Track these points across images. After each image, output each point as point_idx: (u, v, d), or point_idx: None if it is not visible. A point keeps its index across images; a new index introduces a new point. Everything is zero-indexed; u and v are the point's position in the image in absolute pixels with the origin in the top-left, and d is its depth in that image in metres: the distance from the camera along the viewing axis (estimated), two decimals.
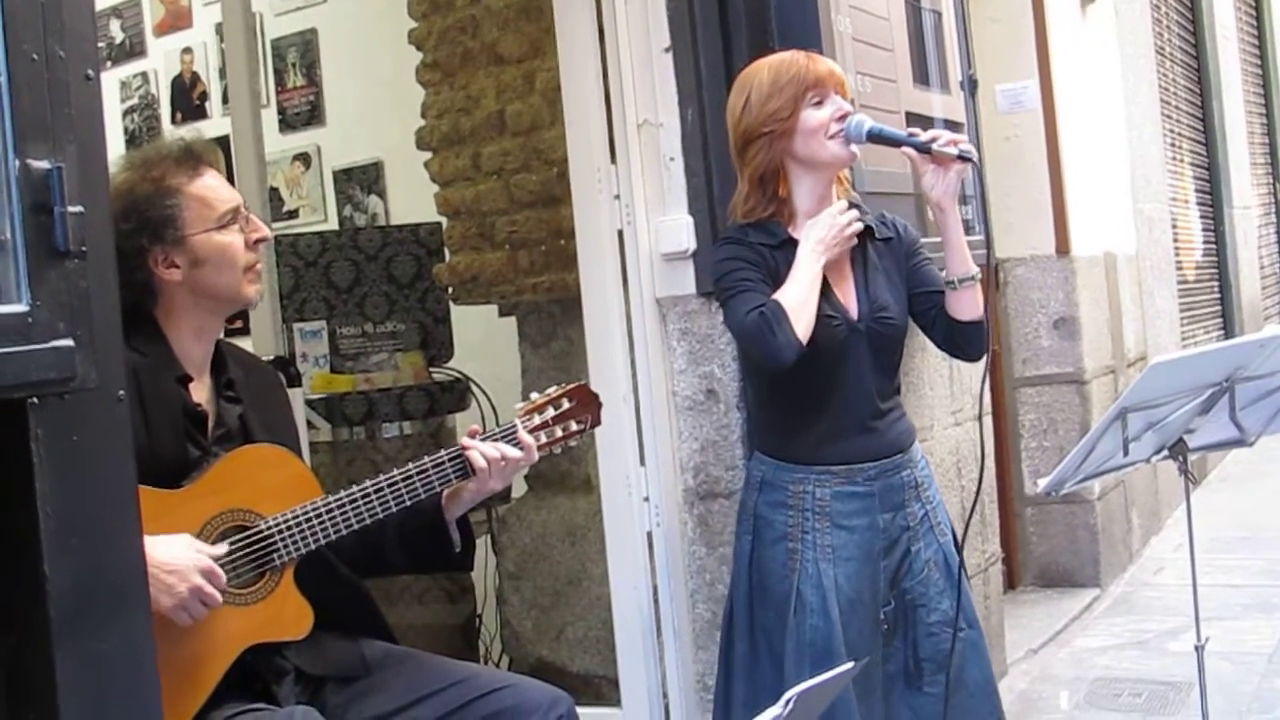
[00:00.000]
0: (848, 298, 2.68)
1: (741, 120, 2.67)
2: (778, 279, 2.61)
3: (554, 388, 2.54)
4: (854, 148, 2.63)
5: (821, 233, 2.61)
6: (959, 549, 2.78)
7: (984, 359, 2.83)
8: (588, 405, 2.54)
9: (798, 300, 2.56)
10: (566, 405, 2.51)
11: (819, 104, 2.62)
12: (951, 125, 3.94)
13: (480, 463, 2.38)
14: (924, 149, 2.59)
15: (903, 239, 2.78)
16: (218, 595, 2.09)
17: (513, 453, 2.42)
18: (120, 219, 2.20)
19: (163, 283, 2.28)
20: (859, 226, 2.64)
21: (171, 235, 2.26)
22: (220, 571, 2.11)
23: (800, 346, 2.54)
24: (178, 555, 2.06)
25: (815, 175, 2.67)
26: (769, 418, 2.81)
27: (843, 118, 2.61)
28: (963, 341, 2.73)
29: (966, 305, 2.67)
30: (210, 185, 2.32)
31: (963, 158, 2.57)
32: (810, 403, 2.68)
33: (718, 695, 2.83)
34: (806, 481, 2.66)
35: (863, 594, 2.64)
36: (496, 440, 2.42)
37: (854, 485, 2.65)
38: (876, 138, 2.61)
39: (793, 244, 2.64)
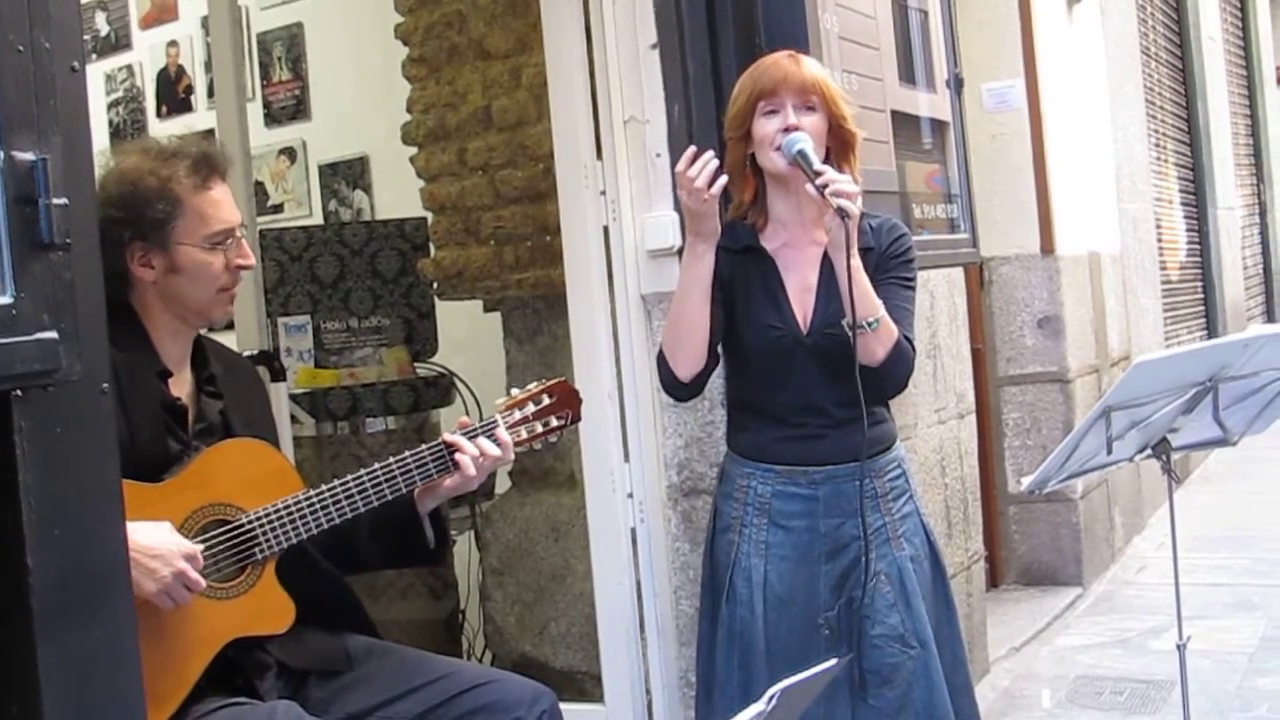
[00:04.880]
0: (804, 307, 2.62)
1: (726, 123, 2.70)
2: (725, 285, 2.61)
3: (534, 383, 2.54)
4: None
5: (687, 221, 2.60)
6: (938, 567, 2.75)
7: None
8: (568, 401, 2.54)
9: (675, 328, 2.62)
10: (547, 401, 2.51)
11: (771, 113, 2.58)
12: (937, 123, 3.96)
13: (470, 467, 2.38)
14: (820, 190, 2.46)
15: (882, 251, 2.65)
16: (201, 580, 2.09)
17: (493, 449, 2.42)
18: (114, 203, 2.19)
19: (135, 278, 2.27)
20: (712, 168, 2.47)
21: (157, 238, 2.24)
22: (200, 557, 2.11)
23: (680, 383, 2.62)
24: (161, 540, 2.06)
25: (778, 184, 2.64)
26: (728, 412, 2.84)
27: (788, 130, 2.55)
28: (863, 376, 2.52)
29: (859, 349, 2.49)
30: (214, 200, 2.29)
31: (838, 212, 2.42)
32: (755, 403, 2.68)
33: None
34: (752, 477, 2.66)
35: (795, 595, 2.62)
36: (477, 435, 2.42)
37: (796, 486, 2.63)
38: (798, 162, 2.50)
39: (753, 252, 2.64)
